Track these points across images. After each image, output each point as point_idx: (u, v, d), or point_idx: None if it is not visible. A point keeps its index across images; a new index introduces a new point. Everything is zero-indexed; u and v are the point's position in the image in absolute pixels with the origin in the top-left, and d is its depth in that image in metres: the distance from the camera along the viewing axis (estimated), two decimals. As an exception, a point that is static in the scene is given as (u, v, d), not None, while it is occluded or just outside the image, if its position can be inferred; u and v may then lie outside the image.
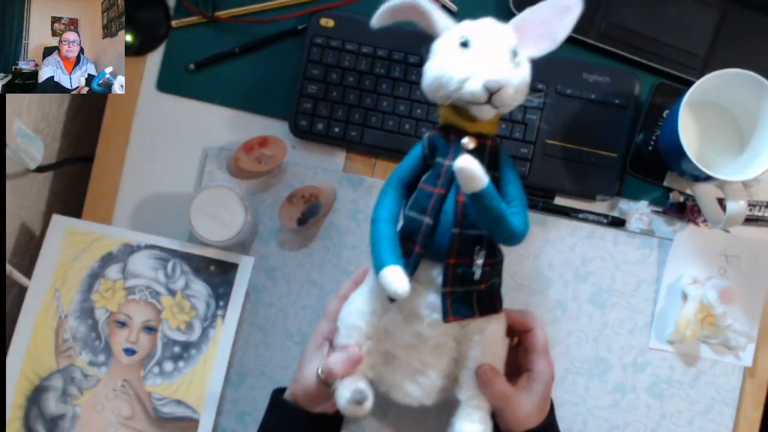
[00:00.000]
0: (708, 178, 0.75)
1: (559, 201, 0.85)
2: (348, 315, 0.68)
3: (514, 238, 0.63)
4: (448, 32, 0.64)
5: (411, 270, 0.63)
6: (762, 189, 0.84)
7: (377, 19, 0.66)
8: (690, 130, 0.81)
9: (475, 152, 0.63)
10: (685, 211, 0.83)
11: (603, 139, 0.83)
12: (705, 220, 0.82)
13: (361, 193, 0.84)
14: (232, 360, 0.82)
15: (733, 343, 0.82)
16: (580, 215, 0.84)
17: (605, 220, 0.83)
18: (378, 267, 0.62)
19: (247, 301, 0.83)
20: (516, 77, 0.62)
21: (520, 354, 0.72)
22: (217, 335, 0.81)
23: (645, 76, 0.85)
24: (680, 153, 0.75)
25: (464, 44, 0.62)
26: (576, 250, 0.84)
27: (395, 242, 0.63)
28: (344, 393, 0.66)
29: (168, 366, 0.81)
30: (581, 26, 0.84)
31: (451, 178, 0.63)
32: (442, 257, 0.64)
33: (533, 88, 0.83)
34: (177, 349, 0.81)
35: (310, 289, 0.83)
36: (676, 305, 0.83)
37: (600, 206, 0.85)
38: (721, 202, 0.80)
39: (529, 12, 0.67)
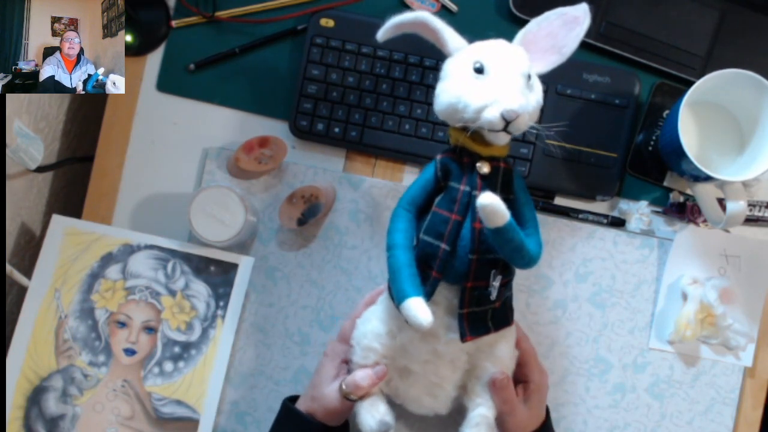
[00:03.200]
0: (708, 178, 0.75)
1: (559, 201, 0.85)
2: (363, 336, 0.68)
3: (531, 263, 0.64)
4: (461, 53, 0.64)
5: (429, 295, 0.64)
6: (762, 189, 0.84)
7: (384, 33, 0.66)
8: (690, 130, 0.81)
9: (489, 176, 0.64)
10: (685, 211, 0.83)
11: (603, 139, 0.83)
12: (705, 220, 0.82)
13: (361, 193, 0.84)
14: (232, 360, 0.82)
15: (733, 343, 0.82)
16: (580, 215, 0.83)
17: (605, 221, 0.83)
18: (400, 299, 0.62)
19: (247, 301, 0.83)
20: (531, 103, 0.62)
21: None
22: (217, 335, 0.81)
23: (645, 76, 0.85)
24: (680, 153, 0.75)
25: (479, 70, 0.62)
26: (576, 250, 0.84)
27: (414, 270, 0.63)
28: (369, 422, 0.66)
29: (168, 366, 0.81)
30: (581, 26, 0.84)
31: (467, 205, 0.63)
32: (459, 281, 0.64)
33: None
34: (177, 349, 0.81)
35: (310, 289, 0.83)
36: (676, 305, 0.83)
37: (600, 206, 0.85)
38: (721, 202, 0.80)
39: (534, 24, 0.65)
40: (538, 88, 0.64)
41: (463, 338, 0.65)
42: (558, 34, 0.65)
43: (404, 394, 0.69)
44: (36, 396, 0.80)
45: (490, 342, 0.67)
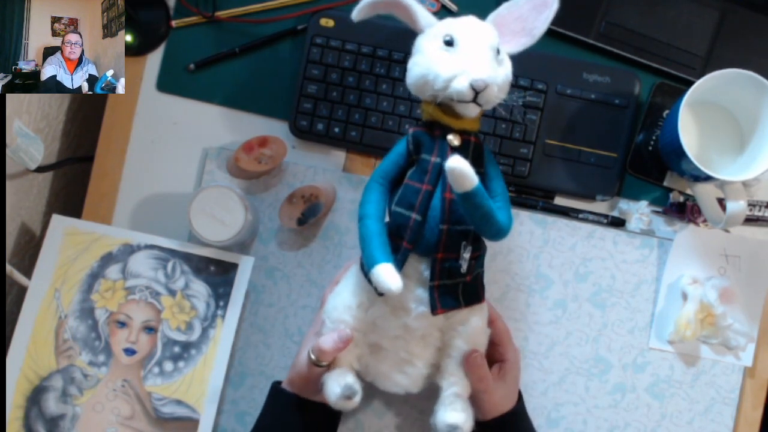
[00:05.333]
0: (708, 178, 0.75)
1: (559, 201, 0.85)
2: (334, 309, 0.68)
3: (501, 233, 0.64)
4: (432, 29, 0.65)
5: (400, 265, 0.64)
6: (762, 189, 0.84)
7: (358, 13, 0.67)
8: (690, 130, 0.81)
9: (460, 149, 0.65)
10: (685, 211, 0.83)
11: (603, 139, 0.83)
12: (705, 220, 0.82)
13: (361, 192, 0.84)
14: (232, 360, 0.82)
15: (733, 343, 0.82)
16: (580, 215, 0.84)
17: (605, 220, 0.83)
18: (370, 264, 0.62)
19: (247, 301, 0.83)
20: (500, 75, 0.64)
21: (488, 346, 0.72)
22: (217, 335, 0.81)
23: (645, 76, 0.85)
24: (680, 153, 0.75)
25: (449, 43, 0.63)
26: (576, 250, 0.84)
27: (384, 239, 0.64)
28: (334, 388, 0.66)
29: (168, 366, 0.81)
30: (581, 26, 0.84)
31: (438, 175, 0.64)
32: (429, 252, 0.65)
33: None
34: (177, 349, 0.81)
35: (310, 289, 0.83)
36: (676, 305, 0.83)
37: (600, 206, 0.85)
38: (721, 202, 0.80)
39: (505, 7, 0.68)
40: (507, 63, 0.66)
41: (434, 311, 0.65)
42: (528, 18, 0.68)
43: (374, 370, 0.69)
44: (36, 396, 0.80)
45: (462, 319, 0.67)
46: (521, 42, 0.68)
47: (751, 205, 0.84)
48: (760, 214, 0.84)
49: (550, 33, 0.85)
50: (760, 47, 0.84)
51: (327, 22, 0.84)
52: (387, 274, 0.61)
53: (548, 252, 0.84)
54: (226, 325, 0.81)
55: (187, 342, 0.81)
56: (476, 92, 0.61)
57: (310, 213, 0.82)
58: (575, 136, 0.83)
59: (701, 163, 0.74)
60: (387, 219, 0.67)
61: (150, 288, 0.82)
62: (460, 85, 0.61)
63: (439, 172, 0.64)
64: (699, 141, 0.82)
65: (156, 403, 0.80)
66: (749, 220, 0.84)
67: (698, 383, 0.83)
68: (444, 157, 0.64)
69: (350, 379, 0.67)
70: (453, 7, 0.85)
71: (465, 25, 0.64)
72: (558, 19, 0.84)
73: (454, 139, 0.65)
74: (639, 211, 0.83)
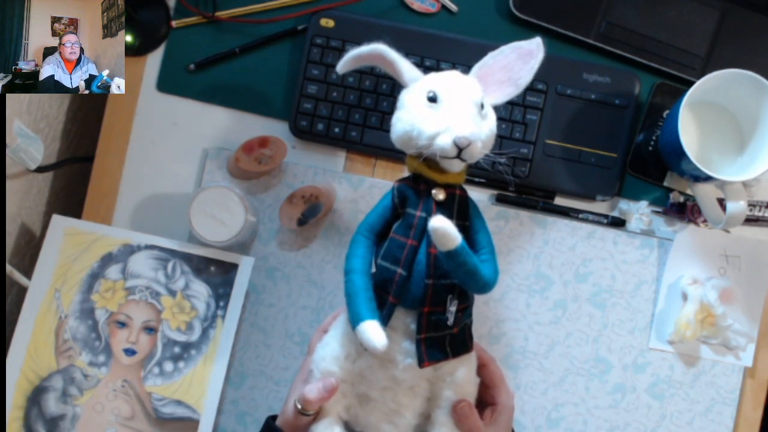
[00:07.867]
0: (708, 178, 0.75)
1: (559, 201, 0.85)
2: (322, 360, 0.68)
3: (486, 288, 0.64)
4: (416, 84, 0.66)
5: (386, 320, 0.64)
6: (762, 189, 0.84)
7: (343, 65, 0.68)
8: (690, 130, 0.81)
9: (445, 203, 0.65)
10: (685, 211, 0.83)
11: (603, 139, 0.83)
12: (705, 220, 0.82)
13: (361, 193, 0.84)
14: (232, 360, 0.82)
15: (733, 344, 0.82)
16: (580, 215, 0.84)
17: (605, 221, 0.83)
18: (355, 321, 0.62)
19: (247, 302, 0.83)
20: (484, 131, 0.64)
21: (481, 389, 0.71)
22: (217, 335, 0.81)
23: (645, 76, 0.85)
24: (680, 153, 0.75)
25: (432, 99, 0.63)
26: (576, 250, 0.84)
27: (370, 294, 0.64)
28: None
29: (168, 366, 0.81)
30: (581, 26, 0.84)
31: (423, 230, 0.64)
32: (415, 306, 0.64)
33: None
34: (177, 349, 0.81)
35: (310, 289, 0.83)
36: (676, 305, 0.83)
37: (600, 206, 0.85)
38: (721, 202, 0.80)
39: (490, 57, 0.68)
40: (491, 117, 0.66)
41: (421, 364, 0.64)
42: (513, 67, 0.67)
43: (363, 421, 0.68)
44: (36, 396, 0.80)
45: (450, 370, 0.67)
46: (506, 92, 0.68)
47: (751, 205, 0.84)
48: (760, 214, 0.84)
49: (550, 33, 0.85)
50: (760, 47, 0.84)
51: (327, 22, 0.84)
52: (372, 332, 0.61)
53: (548, 252, 0.84)
54: (226, 326, 0.81)
55: (187, 342, 0.81)
56: (460, 149, 0.61)
57: (310, 213, 0.82)
58: (575, 136, 0.83)
59: (701, 163, 0.74)
60: (374, 270, 0.66)
61: (150, 288, 0.82)
62: (444, 143, 0.61)
63: (424, 227, 0.64)
64: (699, 141, 0.82)
65: (156, 403, 0.80)
66: (749, 220, 0.84)
67: (698, 383, 0.83)
68: (429, 212, 0.64)
69: (337, 430, 0.66)
70: (453, 7, 0.85)
71: (448, 81, 0.65)
72: (558, 19, 0.85)
73: (438, 194, 0.65)
74: (639, 212, 0.83)
